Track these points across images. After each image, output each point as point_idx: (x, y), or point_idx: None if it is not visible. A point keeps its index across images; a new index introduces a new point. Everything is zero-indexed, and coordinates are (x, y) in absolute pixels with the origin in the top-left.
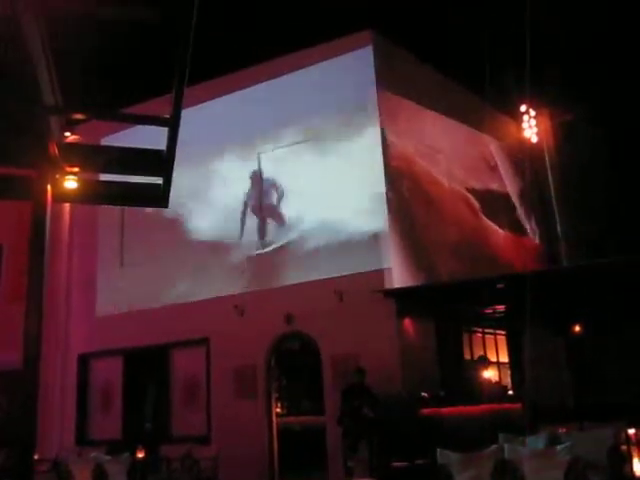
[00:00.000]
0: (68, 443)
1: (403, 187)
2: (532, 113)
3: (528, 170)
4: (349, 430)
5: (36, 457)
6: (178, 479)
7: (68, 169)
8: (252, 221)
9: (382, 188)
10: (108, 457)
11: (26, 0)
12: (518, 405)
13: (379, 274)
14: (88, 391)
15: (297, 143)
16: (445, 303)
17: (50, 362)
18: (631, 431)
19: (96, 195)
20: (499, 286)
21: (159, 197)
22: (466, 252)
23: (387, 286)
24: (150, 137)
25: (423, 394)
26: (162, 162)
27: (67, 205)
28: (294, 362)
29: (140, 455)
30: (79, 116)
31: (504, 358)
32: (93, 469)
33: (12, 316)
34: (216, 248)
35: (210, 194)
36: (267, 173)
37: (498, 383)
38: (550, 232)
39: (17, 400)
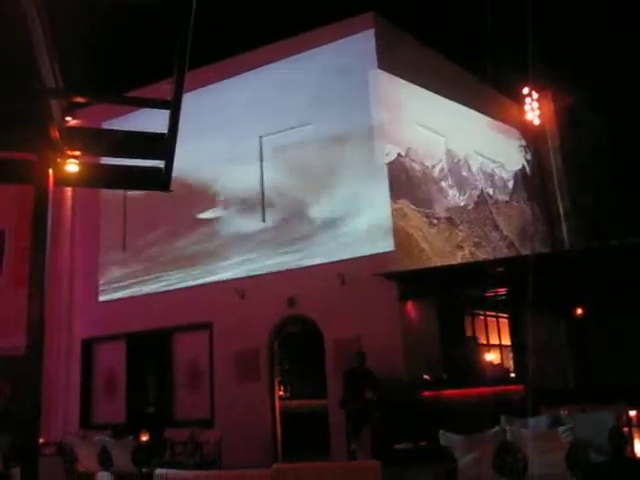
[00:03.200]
0: (72, 427)
1: (405, 170)
2: (535, 95)
3: (531, 152)
4: (352, 413)
5: (41, 441)
6: (182, 462)
7: (70, 153)
8: (255, 205)
9: (384, 173)
10: (112, 440)
11: None
12: (520, 387)
13: (381, 257)
14: (92, 375)
15: (299, 126)
16: (447, 286)
17: (54, 347)
18: (632, 413)
19: (98, 179)
20: (501, 269)
21: (161, 181)
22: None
23: (389, 269)
24: (152, 121)
25: (425, 377)
26: (164, 146)
27: (69, 190)
28: (296, 345)
29: (144, 438)
30: (80, 99)
31: (506, 341)
32: (98, 452)
33: (15, 301)
34: (218, 231)
35: (212, 177)
36: (269, 156)
37: (500, 365)
38: (552, 215)
39: (22, 385)
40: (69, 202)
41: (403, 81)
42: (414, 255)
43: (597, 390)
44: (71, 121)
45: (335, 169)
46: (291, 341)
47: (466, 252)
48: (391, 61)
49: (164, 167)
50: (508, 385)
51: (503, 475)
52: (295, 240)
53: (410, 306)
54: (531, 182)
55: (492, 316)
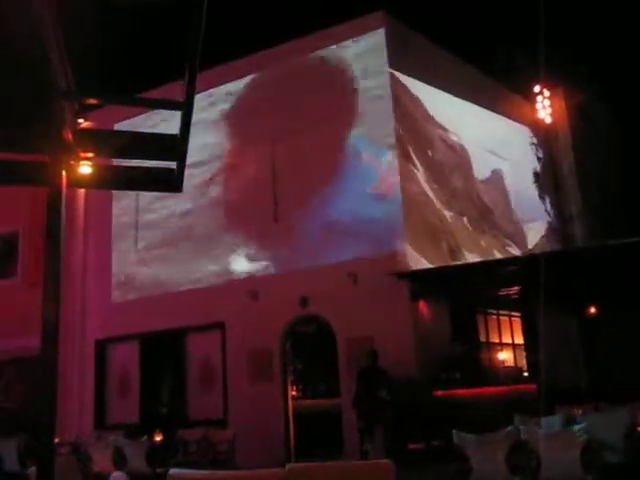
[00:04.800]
0: (87, 427)
1: (417, 169)
2: (546, 93)
3: (543, 150)
4: (364, 412)
5: (56, 441)
6: (195, 462)
7: (82, 155)
8: (268, 204)
9: (396, 172)
10: (127, 440)
11: None
12: (533, 386)
13: (393, 256)
14: (105, 376)
15: (309, 126)
16: (460, 285)
17: (68, 348)
18: None
19: (110, 180)
20: (513, 268)
21: (173, 182)
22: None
23: (402, 268)
24: (164, 122)
25: (438, 376)
26: (176, 146)
27: (82, 191)
28: (309, 345)
29: (158, 438)
30: (93, 101)
31: (519, 340)
32: (112, 452)
33: (30, 302)
34: (231, 231)
35: (223, 177)
36: (281, 156)
37: (513, 365)
38: (565, 213)
39: (37, 385)
40: (82, 203)
41: (414, 80)
42: (426, 254)
43: (611, 389)
44: (83, 123)
45: (346, 168)
46: (304, 341)
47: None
48: (402, 60)
49: (176, 168)
50: (521, 384)
51: (517, 474)
52: (307, 239)
53: (422, 305)
54: (543, 180)
55: (505, 315)
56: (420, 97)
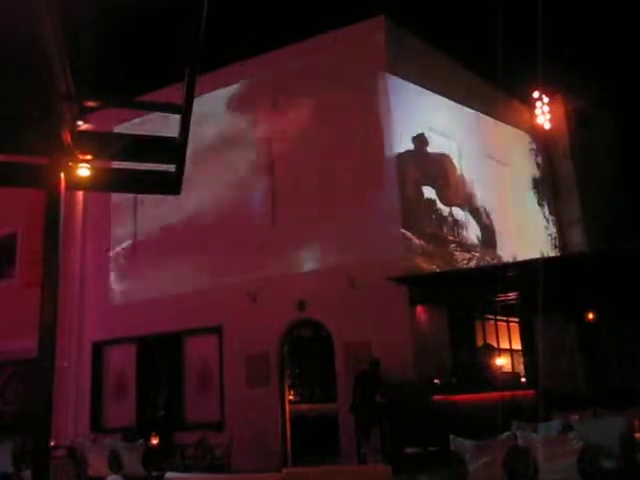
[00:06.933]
0: (83, 430)
1: (414, 173)
2: (545, 99)
3: (542, 156)
4: (361, 417)
5: (52, 444)
6: (192, 465)
7: (81, 157)
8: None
9: (394, 175)
10: (123, 444)
11: None
12: (531, 392)
13: (391, 261)
14: (102, 378)
15: (308, 130)
16: (458, 290)
17: (65, 350)
18: None
19: (109, 183)
20: (511, 273)
21: (171, 184)
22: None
23: (400, 273)
24: (164, 125)
25: (435, 381)
26: (174, 149)
27: (80, 193)
28: (306, 349)
29: (154, 442)
30: (92, 104)
31: (517, 345)
32: (108, 455)
33: (27, 304)
34: (228, 236)
35: (221, 180)
36: (279, 158)
37: (511, 370)
38: (563, 218)
39: (33, 388)
40: (80, 205)
41: (413, 85)
42: (423, 259)
43: (609, 395)
44: (83, 125)
45: (344, 172)
46: (301, 345)
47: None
48: (401, 65)
49: (175, 171)
50: (519, 390)
51: None
52: (305, 243)
53: (420, 310)
54: (542, 185)
55: (503, 320)
56: (419, 101)
